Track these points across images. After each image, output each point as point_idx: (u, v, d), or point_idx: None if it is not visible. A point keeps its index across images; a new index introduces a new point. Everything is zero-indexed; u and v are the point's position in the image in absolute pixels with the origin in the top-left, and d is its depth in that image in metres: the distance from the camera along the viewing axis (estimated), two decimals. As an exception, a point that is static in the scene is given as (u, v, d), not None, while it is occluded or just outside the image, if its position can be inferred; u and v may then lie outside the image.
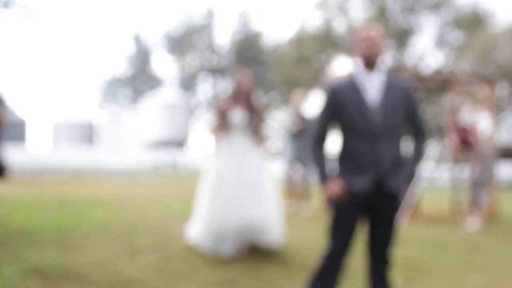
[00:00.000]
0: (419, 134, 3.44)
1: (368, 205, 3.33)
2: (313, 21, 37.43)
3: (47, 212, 8.23)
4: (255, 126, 5.75)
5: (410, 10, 35.01)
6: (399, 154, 3.36)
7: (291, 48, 37.93)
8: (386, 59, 34.74)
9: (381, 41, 3.36)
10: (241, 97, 5.77)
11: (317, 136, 3.44)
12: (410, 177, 3.36)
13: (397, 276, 4.76)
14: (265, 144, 5.83)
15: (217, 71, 47.30)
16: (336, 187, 3.31)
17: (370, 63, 3.35)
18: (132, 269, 4.89)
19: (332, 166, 3.43)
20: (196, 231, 5.65)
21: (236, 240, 5.43)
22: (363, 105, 3.29)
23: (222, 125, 5.77)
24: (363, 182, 3.27)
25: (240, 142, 5.69)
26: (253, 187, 5.53)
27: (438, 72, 29.10)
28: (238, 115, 5.70)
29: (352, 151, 3.33)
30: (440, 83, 10.62)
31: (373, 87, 3.32)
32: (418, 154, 3.42)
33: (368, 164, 3.28)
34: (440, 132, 8.67)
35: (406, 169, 3.35)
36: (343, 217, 3.33)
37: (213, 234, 5.44)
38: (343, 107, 3.34)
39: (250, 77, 5.84)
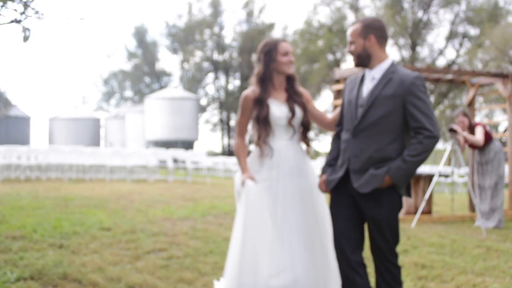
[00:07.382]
0: (420, 130, 3.13)
1: (357, 206, 3.30)
2: (324, 16, 37.44)
3: (47, 214, 8.22)
4: (304, 122, 3.69)
5: (425, 4, 34.75)
6: (383, 152, 3.18)
7: (301, 44, 37.73)
8: (394, 53, 34.56)
9: (357, 38, 3.25)
10: (280, 78, 3.67)
11: (337, 129, 3.49)
12: (397, 175, 3.12)
13: (409, 280, 4.74)
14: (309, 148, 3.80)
15: (224, 67, 47.18)
16: (321, 181, 3.46)
17: (357, 64, 3.31)
18: (134, 273, 4.78)
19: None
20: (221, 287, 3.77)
21: None
22: (352, 100, 3.29)
23: (254, 125, 3.69)
24: (334, 177, 3.33)
25: (282, 149, 3.62)
26: (310, 223, 3.58)
27: (452, 67, 28.72)
28: (278, 107, 3.64)
29: (342, 146, 3.36)
30: (455, 79, 10.25)
31: (369, 82, 3.27)
32: (413, 150, 3.12)
33: (344, 160, 3.29)
34: (453, 131, 8.25)
35: (391, 167, 3.13)
36: (332, 210, 3.40)
37: None
38: (344, 101, 3.41)
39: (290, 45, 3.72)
